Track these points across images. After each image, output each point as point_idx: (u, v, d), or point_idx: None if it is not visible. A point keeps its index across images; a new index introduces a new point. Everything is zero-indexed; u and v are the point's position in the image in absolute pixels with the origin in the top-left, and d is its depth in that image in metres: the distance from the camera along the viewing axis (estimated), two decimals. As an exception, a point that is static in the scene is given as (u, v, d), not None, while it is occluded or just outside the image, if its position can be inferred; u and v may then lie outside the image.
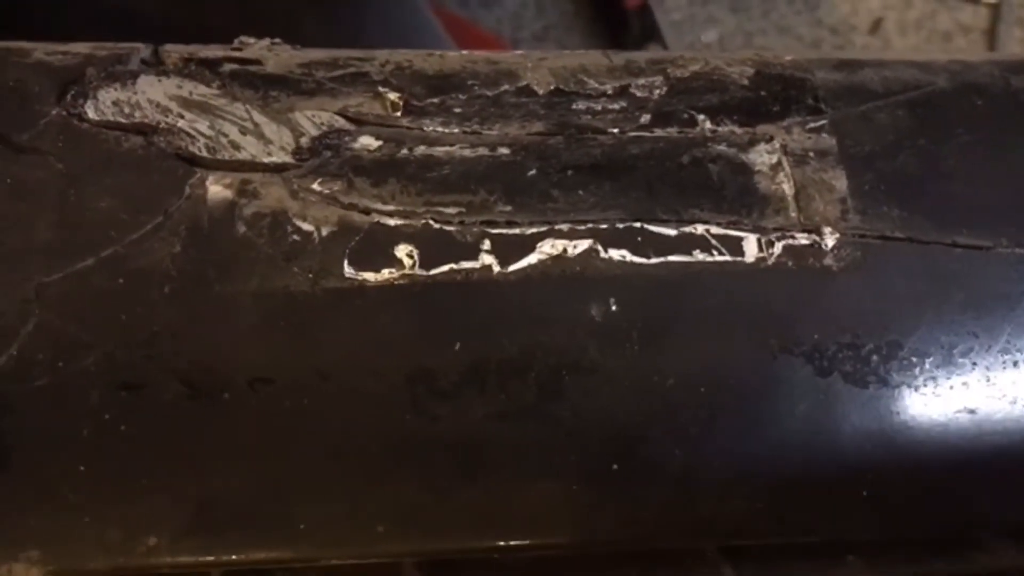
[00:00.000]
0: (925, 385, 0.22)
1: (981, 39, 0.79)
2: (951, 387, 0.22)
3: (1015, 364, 0.22)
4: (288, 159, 0.21)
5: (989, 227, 0.22)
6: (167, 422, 0.19)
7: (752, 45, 0.81)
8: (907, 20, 0.80)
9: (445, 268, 0.21)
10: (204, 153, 0.21)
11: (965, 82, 0.24)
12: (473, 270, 0.21)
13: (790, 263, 0.22)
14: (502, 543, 0.20)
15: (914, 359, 0.22)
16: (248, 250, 0.20)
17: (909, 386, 0.22)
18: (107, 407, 0.19)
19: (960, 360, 0.22)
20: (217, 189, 0.21)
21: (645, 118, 0.23)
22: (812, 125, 0.23)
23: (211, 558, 0.19)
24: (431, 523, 0.20)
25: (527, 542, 0.21)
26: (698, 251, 0.22)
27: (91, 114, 0.21)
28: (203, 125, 0.21)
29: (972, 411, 0.22)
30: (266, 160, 0.21)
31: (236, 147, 0.21)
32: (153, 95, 0.21)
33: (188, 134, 0.21)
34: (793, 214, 0.22)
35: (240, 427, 0.20)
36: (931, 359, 0.22)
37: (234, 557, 0.20)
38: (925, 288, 0.22)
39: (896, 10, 0.80)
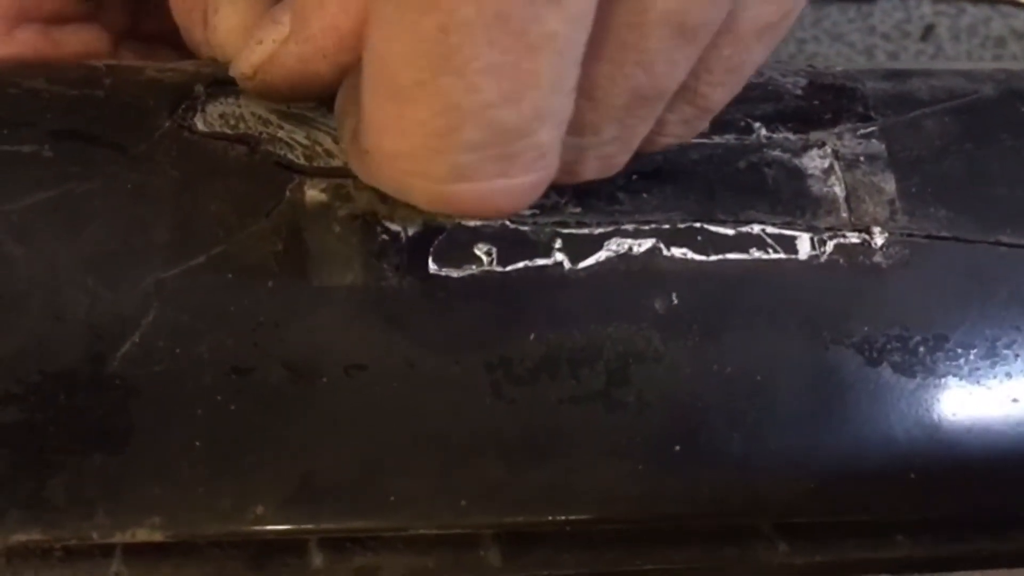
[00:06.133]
0: (970, 375, 0.23)
1: (1035, 44, 0.79)
2: (995, 377, 0.23)
3: (1057, 356, 0.23)
4: (377, 166, 0.23)
5: (1032, 227, 0.24)
6: (272, 403, 0.21)
7: (804, 52, 0.82)
8: (959, 26, 0.80)
9: (520, 265, 0.23)
10: (302, 161, 0.23)
11: (1009, 89, 0.26)
12: (546, 266, 0.23)
13: (841, 260, 0.23)
14: (573, 517, 0.22)
15: (959, 351, 0.23)
16: (342, 248, 0.22)
17: (955, 376, 0.23)
18: (219, 389, 0.21)
19: (1004, 352, 0.23)
20: (314, 193, 0.23)
21: (704, 126, 0.24)
22: (862, 132, 0.25)
23: (311, 526, 0.21)
24: (509, 498, 0.22)
25: (595, 516, 0.22)
26: (754, 249, 0.23)
27: (200, 126, 0.23)
28: (300, 135, 0.23)
29: (1016, 399, 0.23)
30: (358, 167, 0.23)
31: (330, 155, 0.23)
32: (255, 108, 0.24)
33: (287, 143, 0.23)
34: (844, 215, 0.24)
35: (337, 408, 0.21)
36: (976, 351, 0.23)
37: (331, 525, 0.22)
38: (970, 284, 0.23)
39: (948, 16, 0.80)
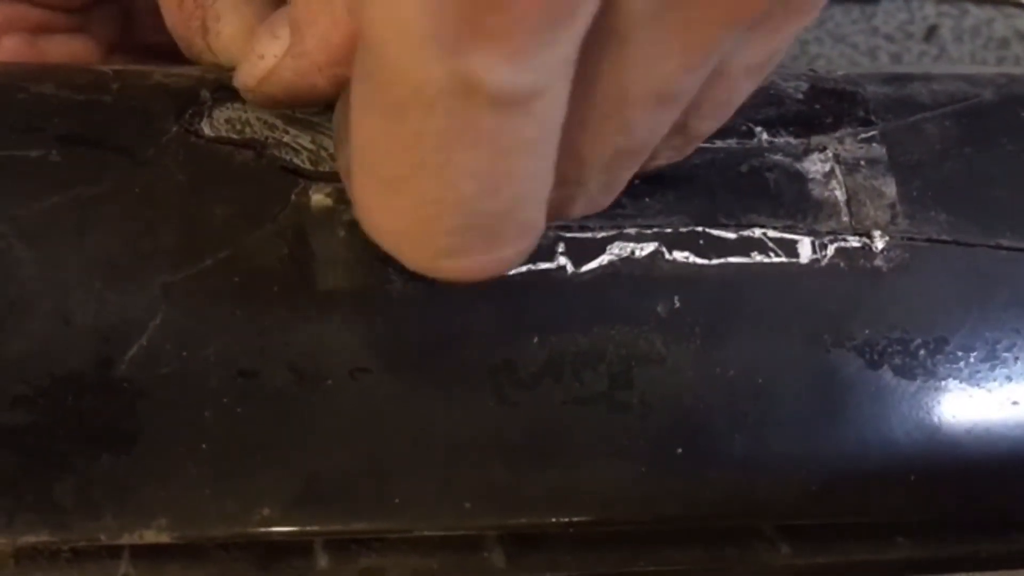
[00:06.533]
0: (970, 378, 0.23)
1: (1038, 45, 0.79)
2: (995, 380, 0.23)
3: (1057, 359, 0.23)
4: (382, 170, 0.23)
5: (1032, 230, 0.24)
6: (278, 406, 0.22)
7: (807, 53, 0.82)
8: (963, 27, 0.80)
9: (524, 269, 0.23)
10: (307, 165, 0.23)
11: (1010, 94, 0.26)
12: (549, 270, 0.23)
13: (842, 264, 0.23)
14: (576, 519, 0.22)
15: (960, 353, 0.23)
16: (347, 252, 0.23)
17: (955, 378, 0.23)
18: (225, 392, 0.22)
19: (1004, 355, 0.23)
20: (319, 197, 0.23)
21: (706, 131, 0.25)
22: (863, 136, 0.25)
23: (316, 527, 0.22)
24: (512, 500, 0.22)
25: (598, 518, 0.22)
26: (756, 253, 0.23)
27: (206, 131, 0.24)
28: (305, 140, 0.23)
29: (1016, 402, 0.23)
30: (362, 171, 0.23)
31: (335, 160, 0.23)
32: (261, 113, 0.24)
33: (293, 148, 0.23)
34: (845, 218, 0.24)
35: (342, 411, 0.22)
36: (976, 353, 0.23)
37: (336, 527, 0.22)
38: (970, 287, 0.24)
39: (952, 18, 0.80)
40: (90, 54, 0.30)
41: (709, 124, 0.20)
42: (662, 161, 0.22)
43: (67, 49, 0.29)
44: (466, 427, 0.22)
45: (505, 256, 0.18)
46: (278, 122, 0.24)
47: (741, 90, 0.20)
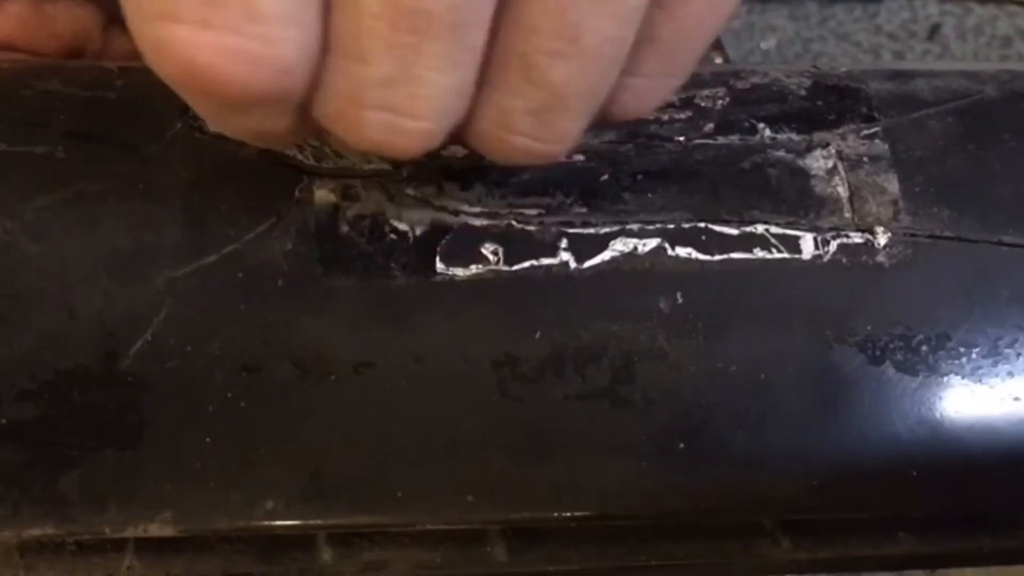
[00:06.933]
0: (972, 374, 0.23)
1: (1041, 44, 0.79)
2: (997, 376, 0.23)
3: (1059, 355, 0.23)
4: (385, 166, 0.23)
5: (1034, 226, 0.24)
6: (282, 400, 0.22)
7: (810, 52, 0.82)
8: (966, 26, 0.80)
9: (527, 264, 0.23)
10: (311, 161, 0.23)
11: (1012, 90, 0.26)
12: (552, 266, 0.23)
13: (844, 260, 0.23)
14: (578, 513, 0.22)
15: (962, 349, 0.23)
16: (351, 248, 0.23)
17: (957, 374, 0.23)
18: (229, 386, 0.22)
19: (1006, 351, 0.23)
20: (323, 194, 0.23)
21: (709, 127, 0.25)
22: (866, 132, 0.25)
23: (320, 521, 0.22)
24: (515, 494, 0.22)
25: (600, 513, 0.23)
26: (758, 249, 0.23)
27: (210, 127, 0.24)
28: (309, 136, 0.24)
29: (1017, 398, 0.23)
30: (366, 167, 0.23)
31: (339, 156, 0.23)
32: (265, 110, 0.24)
33: (296, 144, 0.23)
34: (848, 215, 0.24)
35: (346, 406, 0.22)
36: (978, 349, 0.23)
37: (340, 521, 0.22)
38: (972, 283, 0.24)
39: (955, 16, 0.80)
40: (93, 21, 0.29)
41: (560, 69, 0.17)
42: (525, 140, 0.19)
43: (70, 15, 0.29)
44: (469, 421, 0.22)
45: (225, 44, 0.16)
46: (282, 118, 0.24)
47: (589, 17, 0.16)
